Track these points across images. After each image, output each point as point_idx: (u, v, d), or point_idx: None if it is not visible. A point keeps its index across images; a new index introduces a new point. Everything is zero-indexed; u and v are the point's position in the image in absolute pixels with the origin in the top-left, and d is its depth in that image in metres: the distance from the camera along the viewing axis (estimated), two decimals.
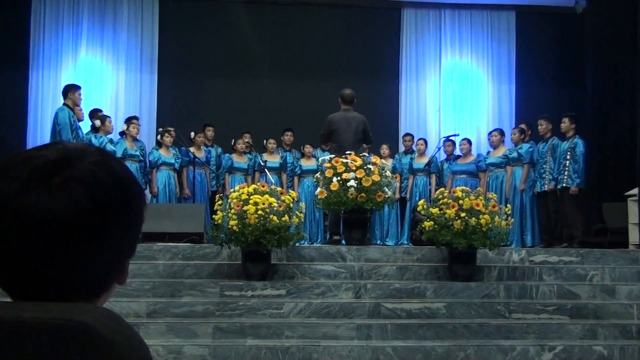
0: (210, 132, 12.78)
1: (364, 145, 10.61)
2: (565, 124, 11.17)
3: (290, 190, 9.49)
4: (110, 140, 11.39)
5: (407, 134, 13.61)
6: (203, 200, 12.16)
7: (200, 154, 12.33)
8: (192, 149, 12.09)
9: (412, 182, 12.84)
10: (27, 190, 1.01)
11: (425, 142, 13.25)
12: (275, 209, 7.97)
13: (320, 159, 10.66)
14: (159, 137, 12.36)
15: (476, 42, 14.92)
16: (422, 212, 8.58)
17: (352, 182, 8.91)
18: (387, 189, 9.22)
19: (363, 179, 8.93)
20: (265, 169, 11.91)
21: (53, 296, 1.04)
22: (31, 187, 1.02)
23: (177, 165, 12.16)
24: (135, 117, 12.04)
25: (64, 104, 10.10)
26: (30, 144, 13.34)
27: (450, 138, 12.86)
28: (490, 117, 14.75)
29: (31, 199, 1.01)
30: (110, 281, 1.12)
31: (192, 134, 12.42)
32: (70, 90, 10.24)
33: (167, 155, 12.04)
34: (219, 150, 12.87)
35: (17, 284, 1.05)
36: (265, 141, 12.82)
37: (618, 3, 12.59)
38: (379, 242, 12.53)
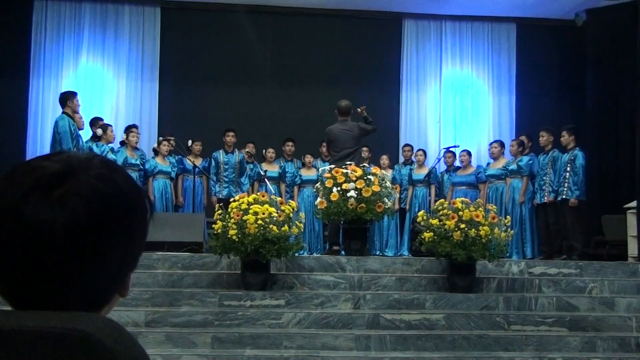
0: (229, 137, 12.49)
1: (368, 127, 10.46)
2: (565, 137, 11.19)
3: (290, 201, 9.49)
4: (112, 149, 11.38)
5: (406, 145, 13.61)
6: (201, 209, 12.16)
7: (198, 162, 12.31)
8: (190, 158, 12.09)
9: (412, 193, 12.84)
10: (28, 200, 1.01)
11: (425, 152, 13.26)
12: (275, 218, 7.97)
13: (320, 169, 10.66)
14: (155, 145, 12.35)
15: (477, 53, 14.95)
16: (422, 223, 8.58)
17: (352, 193, 8.91)
18: (387, 200, 9.22)
19: (363, 189, 8.94)
20: (265, 179, 11.91)
21: (53, 306, 1.04)
22: (33, 198, 1.01)
23: (173, 174, 12.16)
24: (134, 126, 12.05)
25: (64, 112, 10.06)
26: (30, 152, 13.33)
27: (451, 149, 12.88)
28: (490, 129, 14.76)
29: (32, 209, 1.01)
30: (111, 294, 1.12)
31: (190, 142, 12.40)
32: (68, 97, 10.19)
33: (163, 163, 12.03)
34: (241, 156, 12.62)
35: (18, 292, 1.05)
36: (264, 151, 12.82)
37: (618, 16, 12.63)
38: (378, 252, 12.51)
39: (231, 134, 12.47)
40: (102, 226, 1.04)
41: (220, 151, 12.49)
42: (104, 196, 1.05)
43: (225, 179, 12.43)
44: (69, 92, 10.53)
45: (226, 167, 12.48)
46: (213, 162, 12.49)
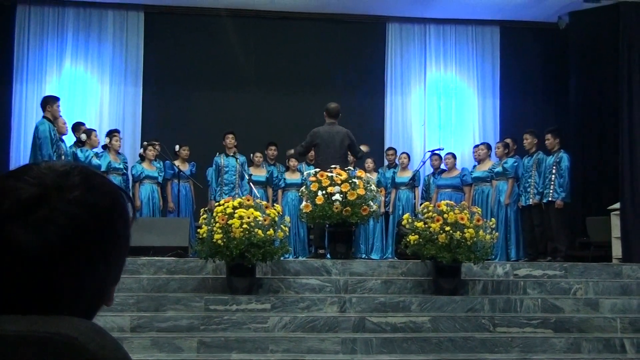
0: (229, 139, 12.31)
1: (349, 159, 10.61)
2: (550, 140, 11.23)
3: (275, 205, 9.48)
4: (96, 154, 11.33)
5: (390, 148, 13.62)
6: (188, 213, 12.12)
7: (185, 167, 12.29)
8: (176, 162, 12.06)
9: (395, 196, 12.84)
10: (3, 226, 1.01)
11: (409, 156, 13.27)
12: (260, 222, 7.96)
13: (305, 173, 10.66)
14: (141, 150, 12.30)
15: (461, 56, 14.98)
16: (407, 226, 8.59)
17: (337, 196, 8.91)
18: (372, 203, 9.22)
19: (348, 192, 8.94)
20: (250, 183, 11.88)
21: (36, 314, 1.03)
22: (8, 224, 1.01)
23: (160, 179, 12.12)
24: (116, 130, 11.99)
25: (44, 117, 10.00)
26: (13, 158, 13.24)
27: (435, 152, 12.90)
28: (474, 132, 14.80)
29: (7, 234, 1.01)
30: (96, 306, 1.11)
31: (177, 147, 12.38)
32: (48, 102, 10.10)
33: (150, 168, 12.00)
34: (242, 159, 12.47)
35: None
36: (252, 155, 12.78)
37: (600, 18, 12.71)
38: (364, 256, 12.52)
39: (230, 136, 12.35)
40: (77, 251, 1.03)
41: (222, 155, 12.44)
42: (79, 223, 1.04)
43: (226, 183, 12.34)
44: (50, 96, 10.46)
45: (226, 169, 12.39)
46: (214, 166, 12.42)
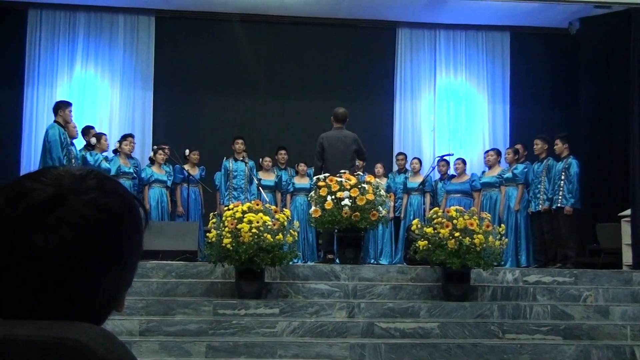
0: (238, 144, 12.39)
1: (357, 164, 10.61)
2: (558, 145, 11.21)
3: (284, 209, 9.48)
4: (105, 158, 11.38)
5: (400, 153, 13.61)
6: (197, 218, 12.14)
7: (194, 172, 12.31)
8: (186, 167, 12.08)
9: (407, 201, 12.84)
10: (21, 226, 1.01)
11: (420, 161, 13.25)
12: (269, 227, 7.96)
13: (314, 178, 10.66)
14: (151, 154, 12.34)
15: (471, 62, 14.95)
16: (416, 232, 8.58)
17: (346, 201, 8.91)
18: (381, 208, 9.21)
19: (357, 198, 8.93)
20: (260, 187, 11.88)
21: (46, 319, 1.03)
22: (25, 225, 1.02)
23: (169, 183, 12.14)
24: (130, 135, 12.04)
25: (55, 121, 10.07)
26: (24, 163, 13.29)
27: (445, 157, 12.88)
28: (484, 137, 14.76)
29: (24, 235, 1.01)
30: (107, 311, 1.12)
31: (187, 151, 12.41)
32: (61, 107, 10.18)
33: (159, 172, 12.03)
34: (251, 163, 12.50)
35: (9, 305, 1.04)
36: (261, 159, 12.80)
37: (611, 24, 12.67)
38: (372, 261, 12.50)
39: (240, 141, 12.39)
40: (92, 253, 1.04)
41: (230, 159, 12.45)
42: (94, 225, 1.04)
43: (235, 187, 12.34)
44: (62, 101, 10.52)
45: (235, 174, 12.40)
46: (223, 171, 12.44)
